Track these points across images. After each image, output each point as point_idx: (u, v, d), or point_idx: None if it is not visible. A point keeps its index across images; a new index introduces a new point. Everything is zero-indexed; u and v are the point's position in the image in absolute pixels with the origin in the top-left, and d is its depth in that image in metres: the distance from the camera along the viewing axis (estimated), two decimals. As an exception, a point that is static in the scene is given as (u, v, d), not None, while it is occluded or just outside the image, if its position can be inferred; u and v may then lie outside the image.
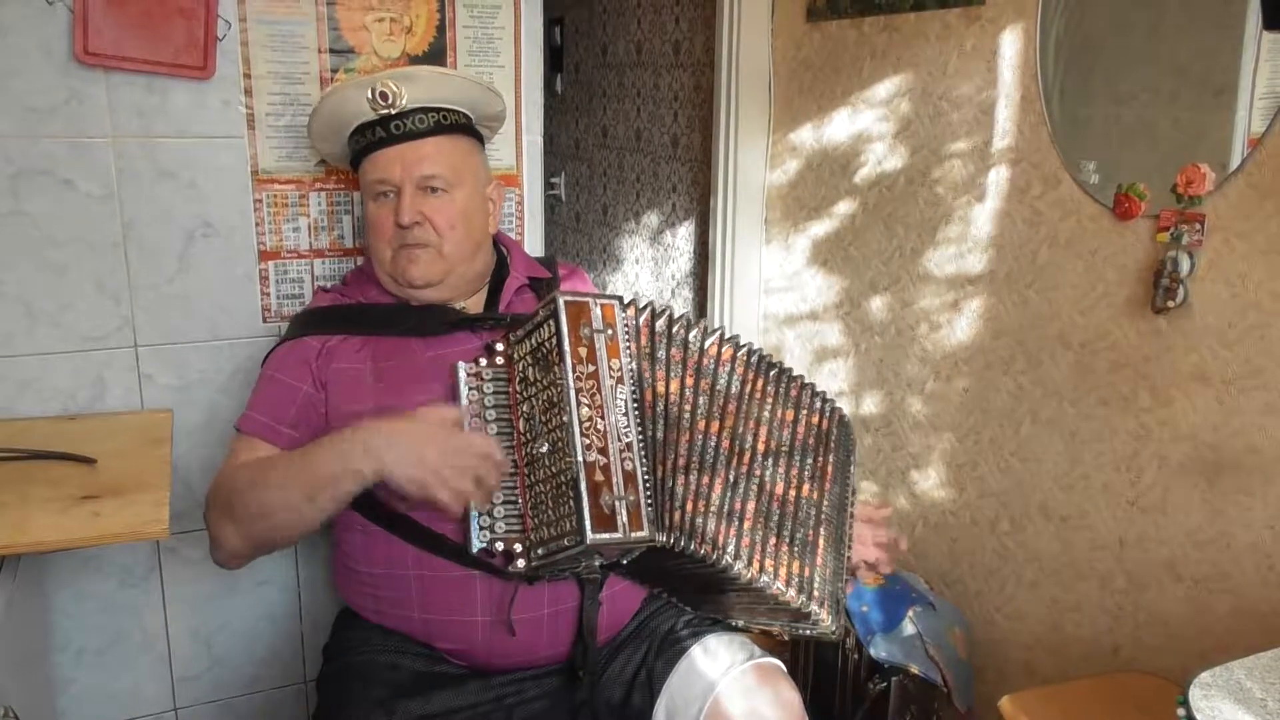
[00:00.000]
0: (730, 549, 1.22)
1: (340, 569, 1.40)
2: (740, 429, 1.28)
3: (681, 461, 1.23)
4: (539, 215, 1.76)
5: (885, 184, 2.05)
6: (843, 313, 2.23)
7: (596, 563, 1.24)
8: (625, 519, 1.15)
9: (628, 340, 1.22)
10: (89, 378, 1.49)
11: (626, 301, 1.24)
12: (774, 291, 2.49)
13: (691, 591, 1.38)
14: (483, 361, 1.27)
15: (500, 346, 1.28)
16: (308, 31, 1.52)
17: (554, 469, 1.19)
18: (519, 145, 1.71)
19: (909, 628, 1.78)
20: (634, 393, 1.20)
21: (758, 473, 1.28)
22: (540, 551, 1.20)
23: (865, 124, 2.09)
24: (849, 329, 2.22)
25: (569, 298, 1.21)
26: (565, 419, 1.17)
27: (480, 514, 1.23)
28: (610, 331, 1.20)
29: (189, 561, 1.59)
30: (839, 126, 2.17)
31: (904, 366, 2.04)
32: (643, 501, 1.17)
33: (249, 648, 1.67)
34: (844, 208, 2.20)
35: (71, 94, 1.40)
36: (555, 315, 1.20)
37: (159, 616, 1.60)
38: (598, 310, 1.21)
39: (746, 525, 1.25)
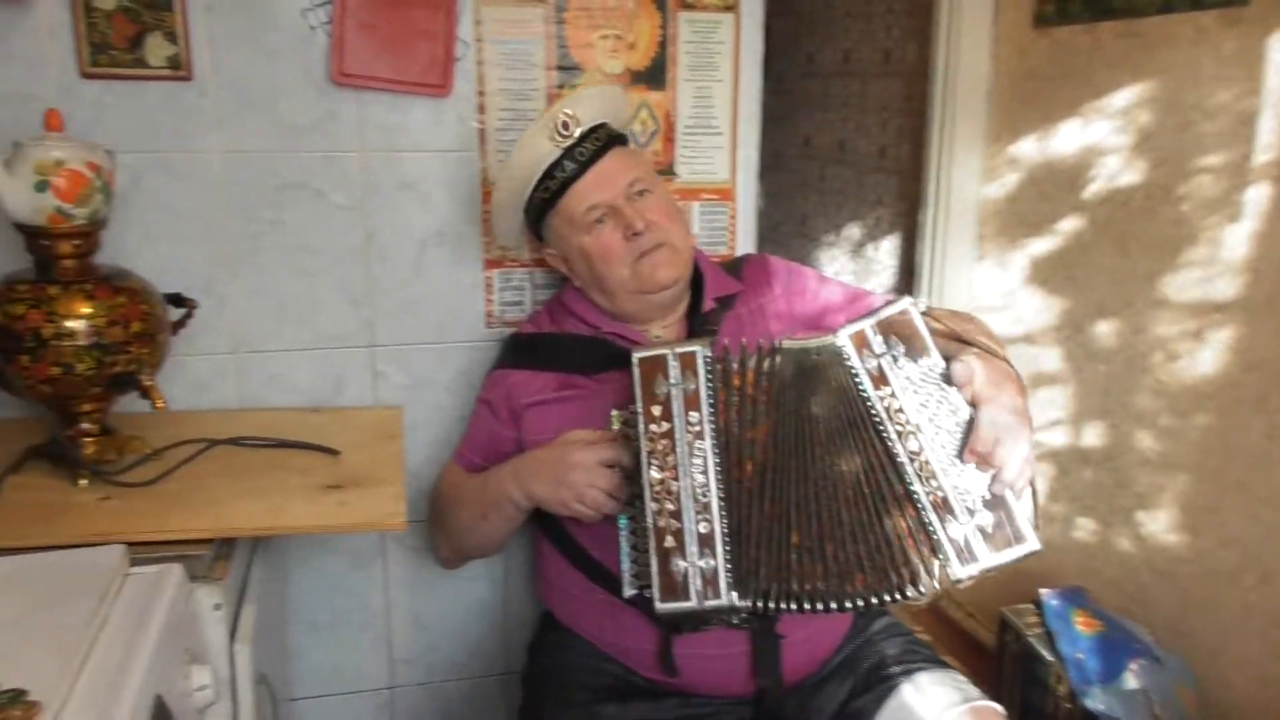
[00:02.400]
0: (809, 590, 1.13)
1: (541, 577, 1.47)
2: (791, 451, 1.17)
3: (770, 510, 1.15)
4: (751, 231, 1.75)
5: (1119, 200, 1.92)
6: (1063, 336, 2.10)
7: (731, 619, 1.20)
8: (699, 586, 1.12)
9: (712, 388, 1.16)
10: (330, 374, 1.61)
11: (708, 345, 1.18)
12: (985, 311, 2.37)
13: None
14: (630, 407, 1.24)
15: None
16: (537, 50, 1.58)
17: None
18: (734, 159, 1.71)
19: (1131, 681, 1.65)
20: (717, 446, 1.15)
21: (812, 488, 1.16)
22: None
23: (1098, 136, 1.96)
24: (1070, 354, 2.09)
25: (643, 354, 1.18)
26: (642, 481, 1.15)
27: (631, 561, 1.23)
28: (691, 383, 1.16)
29: (411, 549, 1.68)
30: (1067, 138, 2.05)
31: (1133, 398, 1.89)
32: (722, 566, 1.12)
33: (459, 636, 1.76)
34: (1070, 225, 2.07)
35: (327, 113, 1.52)
36: (631, 376, 1.18)
37: (382, 599, 1.71)
38: (675, 364, 1.17)
39: (807, 558, 1.14)
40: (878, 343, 1.14)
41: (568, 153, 1.35)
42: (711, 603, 1.11)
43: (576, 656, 1.37)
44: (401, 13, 1.47)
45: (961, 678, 1.29)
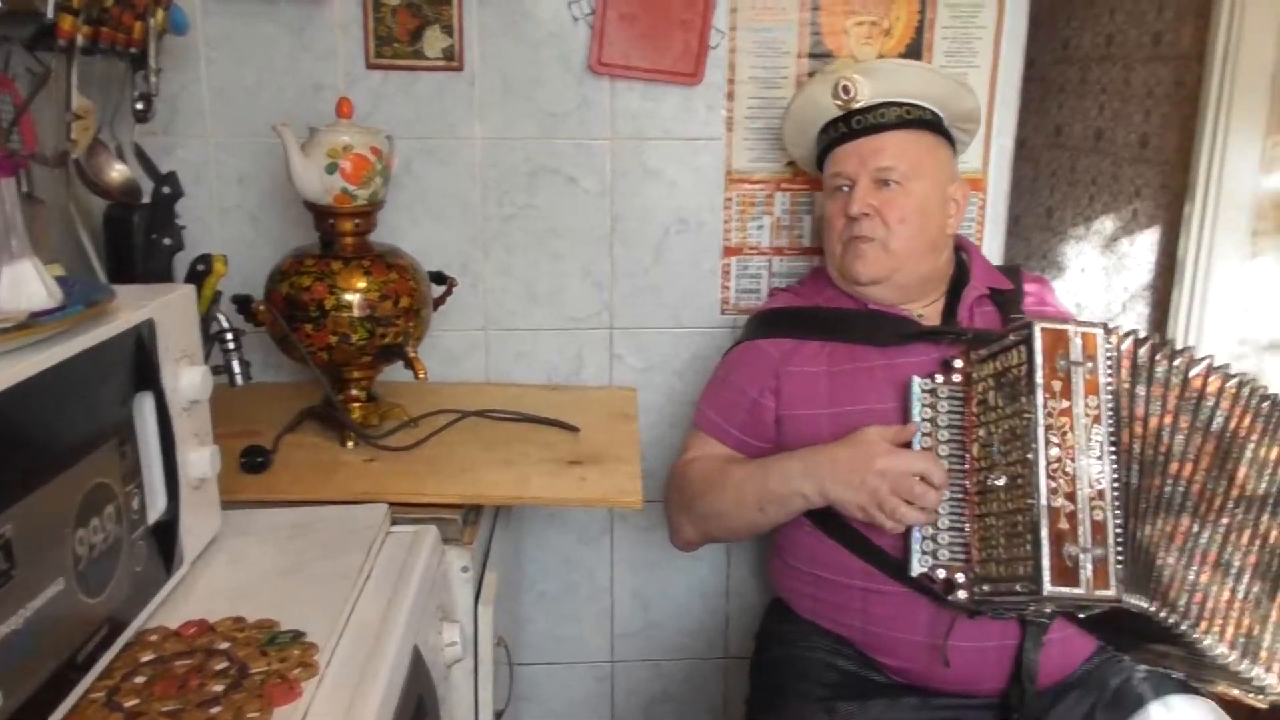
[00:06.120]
0: (1183, 607, 1.10)
1: (777, 563, 1.44)
2: (1216, 471, 1.13)
3: (1150, 511, 1.12)
4: (1001, 223, 1.67)
5: None
6: (1357, 349, 1.87)
7: (1048, 610, 1.16)
8: (1090, 574, 1.07)
9: (1109, 374, 1.12)
10: (570, 354, 1.67)
11: (1110, 329, 1.13)
12: (1258, 312, 2.15)
13: (1129, 636, 1.25)
14: (939, 378, 1.23)
15: (959, 364, 1.24)
16: (789, 37, 1.56)
17: (1010, 506, 1.13)
18: (987, 148, 1.63)
19: None
20: (1111, 434, 1.10)
21: (1225, 520, 1.12)
22: (985, 588, 1.16)
23: None
24: (1365, 370, 1.85)
25: (1046, 325, 1.13)
26: (1030, 456, 1.10)
27: (924, 536, 1.20)
28: (1090, 365, 1.11)
29: (636, 528, 1.73)
30: (1377, 128, 1.81)
31: None
32: (1112, 557, 1.07)
33: (679, 616, 1.79)
34: (1372, 224, 1.83)
35: (582, 100, 1.56)
36: (1029, 342, 1.13)
37: (606, 574, 1.76)
38: (1078, 341, 1.12)
39: (1203, 579, 1.11)
40: None
41: (847, 116, 1.34)
42: (1100, 593, 1.07)
43: (811, 650, 1.34)
44: (662, 3, 1.50)
45: (1218, 707, 1.19)
